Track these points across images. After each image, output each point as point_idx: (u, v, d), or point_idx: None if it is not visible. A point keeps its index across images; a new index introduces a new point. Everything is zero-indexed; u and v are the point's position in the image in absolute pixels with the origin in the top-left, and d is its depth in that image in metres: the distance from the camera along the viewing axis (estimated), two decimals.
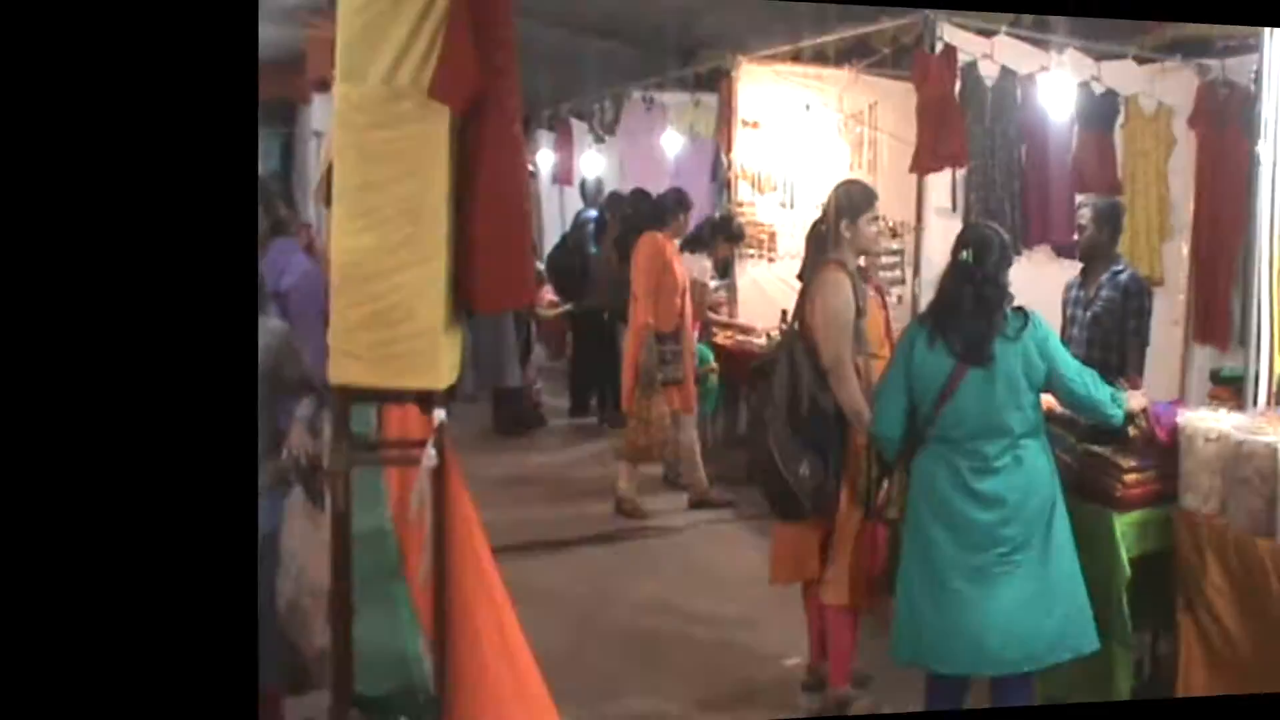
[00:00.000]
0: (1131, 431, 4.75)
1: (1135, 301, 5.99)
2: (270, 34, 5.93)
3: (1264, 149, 4.86)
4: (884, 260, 8.71)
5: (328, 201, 3.98)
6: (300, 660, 4.40)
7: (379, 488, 4.76)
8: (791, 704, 5.41)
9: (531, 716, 2.89)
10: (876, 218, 5.23)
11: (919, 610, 4.38)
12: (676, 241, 8.54)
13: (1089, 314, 6.05)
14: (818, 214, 5.50)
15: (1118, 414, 4.57)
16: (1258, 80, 4.99)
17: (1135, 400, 4.77)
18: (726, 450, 9.59)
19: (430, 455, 3.79)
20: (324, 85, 4.00)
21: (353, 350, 3.82)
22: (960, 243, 4.49)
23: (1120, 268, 6.10)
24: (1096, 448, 4.84)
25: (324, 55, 5.42)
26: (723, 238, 9.42)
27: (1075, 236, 6.33)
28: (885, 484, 4.83)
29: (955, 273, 4.43)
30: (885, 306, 5.45)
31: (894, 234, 8.99)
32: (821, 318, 5.03)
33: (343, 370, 3.87)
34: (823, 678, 5.34)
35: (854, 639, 5.19)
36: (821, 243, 5.21)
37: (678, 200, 8.63)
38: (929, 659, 4.42)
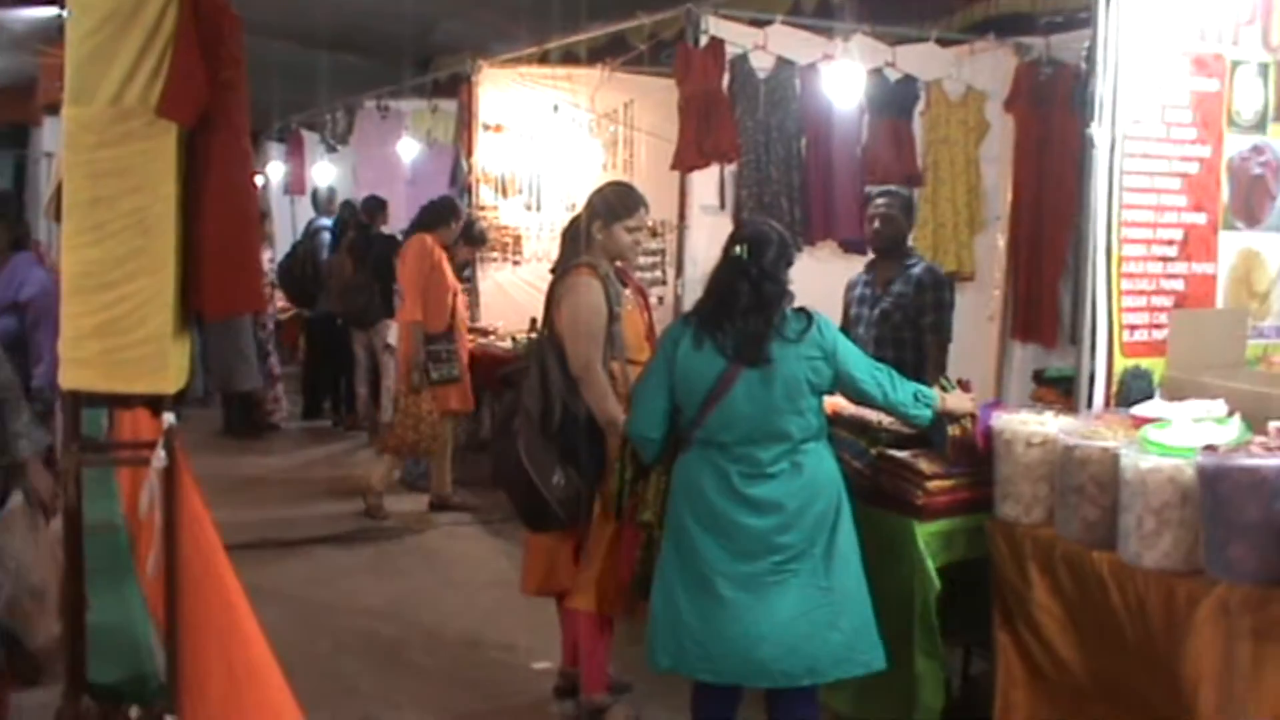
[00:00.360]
0: (954, 431, 4.45)
1: (931, 295, 5.83)
2: (3, 61, 6.03)
3: (1098, 132, 4.48)
4: (643, 260, 8.66)
5: (58, 217, 4.09)
6: (23, 654, 4.51)
7: (111, 486, 4.90)
8: (543, 710, 5.33)
9: (267, 707, 3.05)
10: (638, 227, 5.05)
11: (681, 616, 4.14)
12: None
13: (877, 311, 5.88)
14: (568, 215, 5.42)
15: (924, 413, 4.35)
16: (1090, 58, 4.60)
17: (955, 401, 4.50)
18: (468, 454, 9.65)
19: (160, 456, 3.93)
20: (55, 108, 4.14)
21: (84, 357, 3.94)
22: (734, 239, 4.27)
23: (913, 261, 5.93)
24: (894, 452, 4.53)
25: (55, 80, 5.52)
26: (463, 241, 9.59)
27: (876, 226, 6.04)
28: (640, 486, 4.58)
29: (729, 269, 4.19)
30: (646, 308, 5.25)
31: (654, 233, 8.90)
32: (570, 324, 4.86)
33: (73, 376, 3.99)
34: (576, 683, 5.16)
35: (607, 645, 5.05)
36: (574, 242, 5.07)
37: (450, 207, 8.94)
38: (692, 667, 4.18)
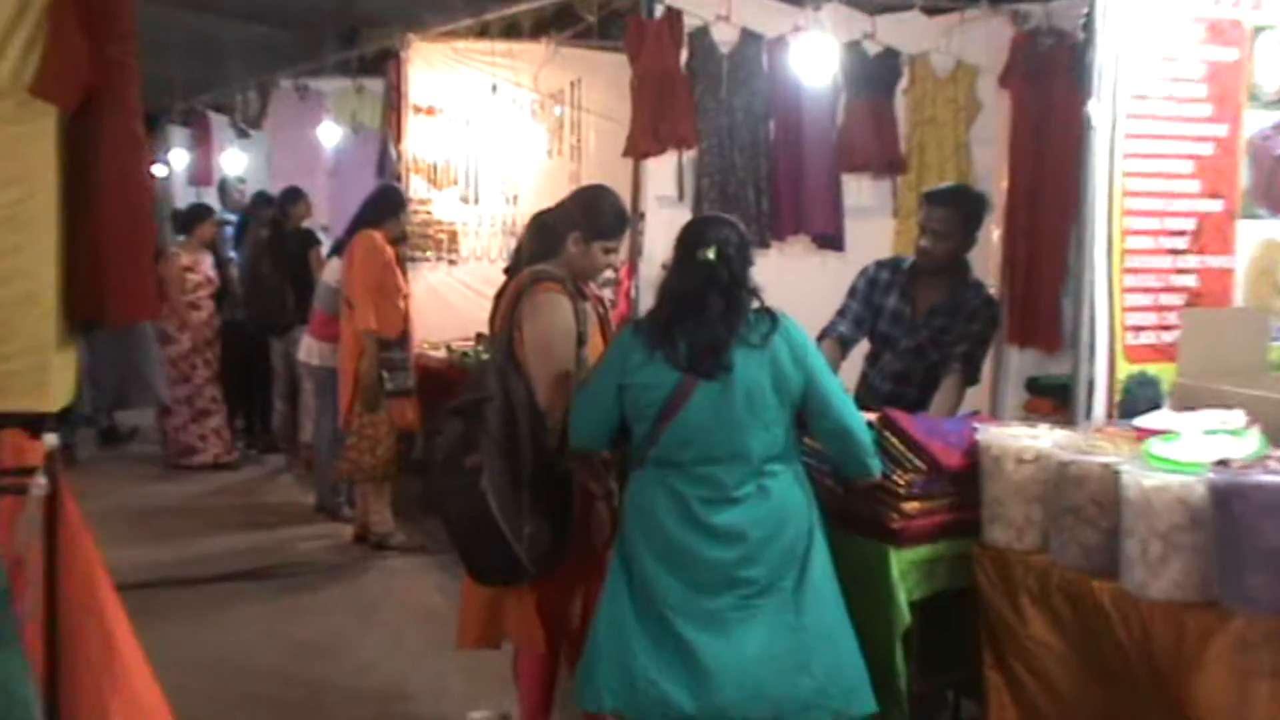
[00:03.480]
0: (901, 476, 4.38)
1: (978, 326, 5.70)
2: None
3: (1097, 109, 4.43)
4: None
5: None
6: None
7: None
8: None
9: None
10: (615, 249, 4.98)
11: (633, 655, 4.09)
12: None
13: (910, 342, 5.73)
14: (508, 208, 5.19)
15: (875, 463, 4.28)
16: (1088, 25, 4.50)
17: None
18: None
19: (40, 483, 3.89)
20: None
21: None
22: (694, 241, 4.19)
23: (968, 288, 5.77)
24: None
25: None
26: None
27: (924, 243, 5.78)
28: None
29: (691, 274, 4.14)
30: (605, 320, 5.09)
31: None
32: (538, 351, 4.69)
33: None
34: None
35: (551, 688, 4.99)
36: (542, 241, 4.99)
37: (395, 197, 8.88)
38: (642, 710, 4.09)
